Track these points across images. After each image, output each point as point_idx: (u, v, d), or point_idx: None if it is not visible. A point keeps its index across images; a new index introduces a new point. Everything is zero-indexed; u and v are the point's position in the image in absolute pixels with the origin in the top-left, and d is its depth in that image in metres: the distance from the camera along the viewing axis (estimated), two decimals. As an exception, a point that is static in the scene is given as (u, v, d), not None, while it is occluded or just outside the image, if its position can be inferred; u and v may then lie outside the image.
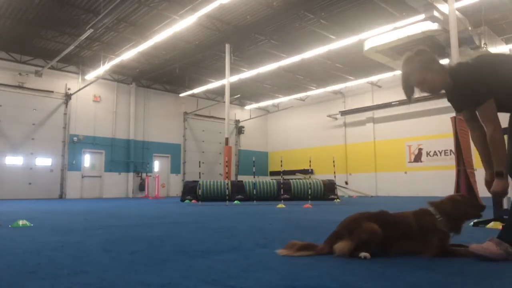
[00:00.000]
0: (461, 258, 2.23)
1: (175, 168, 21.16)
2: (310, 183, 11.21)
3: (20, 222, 4.36)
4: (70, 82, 17.74)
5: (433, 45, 14.42)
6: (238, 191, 11.65)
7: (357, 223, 2.27)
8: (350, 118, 21.09)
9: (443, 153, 17.35)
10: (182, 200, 11.97)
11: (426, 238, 2.26)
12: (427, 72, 2.31)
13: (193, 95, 21.55)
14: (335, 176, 12.36)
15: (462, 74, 2.29)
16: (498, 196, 2.31)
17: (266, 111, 25.36)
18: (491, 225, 3.88)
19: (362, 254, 2.15)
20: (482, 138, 2.30)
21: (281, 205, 9.08)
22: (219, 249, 2.68)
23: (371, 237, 2.18)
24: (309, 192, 10.84)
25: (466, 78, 2.25)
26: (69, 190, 17.16)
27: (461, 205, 2.33)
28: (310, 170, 19.14)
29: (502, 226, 2.47)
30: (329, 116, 21.70)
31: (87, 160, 18.13)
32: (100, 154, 18.51)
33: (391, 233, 2.25)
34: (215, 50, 15.84)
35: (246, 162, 23.45)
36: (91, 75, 17.35)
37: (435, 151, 17.62)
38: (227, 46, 14.80)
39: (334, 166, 12.54)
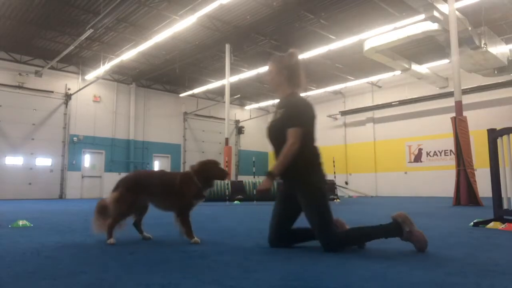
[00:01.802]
0: (461, 259, 2.24)
1: (175, 168, 21.13)
2: (310, 183, 11.18)
3: (20, 222, 4.36)
4: (70, 82, 17.74)
5: (433, 45, 14.45)
6: (238, 191, 11.66)
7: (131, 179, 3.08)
8: (350, 118, 21.09)
9: (443, 153, 17.34)
10: (182, 200, 11.96)
11: (182, 197, 2.94)
12: (276, 69, 2.75)
13: (193, 95, 21.55)
14: (335, 176, 12.37)
15: (298, 99, 2.70)
16: (261, 194, 2.57)
17: (266, 111, 25.35)
18: (491, 225, 3.88)
19: (110, 241, 2.88)
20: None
21: (281, 205, 9.06)
22: (219, 249, 2.68)
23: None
24: (309, 192, 10.81)
25: (298, 103, 2.67)
26: (69, 190, 17.16)
27: (209, 168, 2.99)
28: (310, 170, 19.09)
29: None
30: (329, 116, 21.70)
31: (87, 160, 18.13)
32: (100, 154, 18.51)
33: (158, 190, 3.01)
34: (215, 50, 15.84)
35: (246, 162, 23.44)
36: (91, 75, 17.35)
37: (435, 151, 17.61)
38: (227, 46, 14.80)
39: (334, 166, 12.54)
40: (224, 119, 16.24)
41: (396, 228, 2.52)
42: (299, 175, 2.62)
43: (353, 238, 2.59)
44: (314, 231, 2.58)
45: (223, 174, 3.07)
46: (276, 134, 2.75)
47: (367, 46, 13.46)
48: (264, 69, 16.59)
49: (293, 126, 2.57)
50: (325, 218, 2.53)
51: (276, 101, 17.59)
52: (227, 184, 11.12)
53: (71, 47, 14.15)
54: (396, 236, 2.55)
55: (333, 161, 12.60)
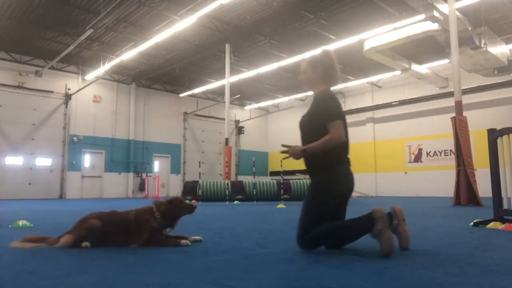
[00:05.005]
0: (461, 259, 2.24)
1: (175, 168, 21.15)
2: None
3: (20, 222, 4.36)
4: (70, 82, 17.74)
5: (433, 45, 14.46)
6: (238, 191, 11.66)
7: (82, 220, 2.84)
8: (350, 118, 21.02)
9: (443, 153, 17.34)
10: (182, 200, 11.95)
11: (140, 232, 2.79)
12: (310, 68, 2.79)
13: (193, 95, 21.55)
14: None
15: (330, 94, 2.71)
16: (292, 154, 2.61)
17: (266, 111, 25.35)
18: (491, 225, 3.88)
19: (83, 244, 2.69)
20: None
21: (281, 205, 9.08)
22: (219, 249, 2.68)
23: (89, 232, 2.74)
24: (309, 192, 10.80)
25: (330, 97, 2.68)
26: (69, 190, 17.16)
27: (175, 206, 2.90)
28: (310, 170, 19.06)
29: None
30: (329, 116, 21.68)
31: (87, 160, 18.13)
32: (100, 154, 18.51)
33: (112, 229, 2.78)
34: (215, 50, 15.84)
35: (246, 162, 23.44)
36: (91, 75, 17.35)
37: (435, 151, 17.61)
38: (227, 46, 14.79)
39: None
40: (224, 119, 16.25)
41: (368, 221, 2.38)
42: (314, 170, 2.65)
43: (323, 235, 2.51)
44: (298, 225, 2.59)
45: (190, 209, 2.99)
46: (304, 128, 2.78)
47: (367, 46, 13.45)
48: (264, 69, 16.60)
49: (334, 119, 2.53)
50: (308, 216, 2.54)
51: (276, 101, 17.63)
52: (227, 184, 11.11)
53: (71, 47, 14.16)
54: (367, 231, 2.40)
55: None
